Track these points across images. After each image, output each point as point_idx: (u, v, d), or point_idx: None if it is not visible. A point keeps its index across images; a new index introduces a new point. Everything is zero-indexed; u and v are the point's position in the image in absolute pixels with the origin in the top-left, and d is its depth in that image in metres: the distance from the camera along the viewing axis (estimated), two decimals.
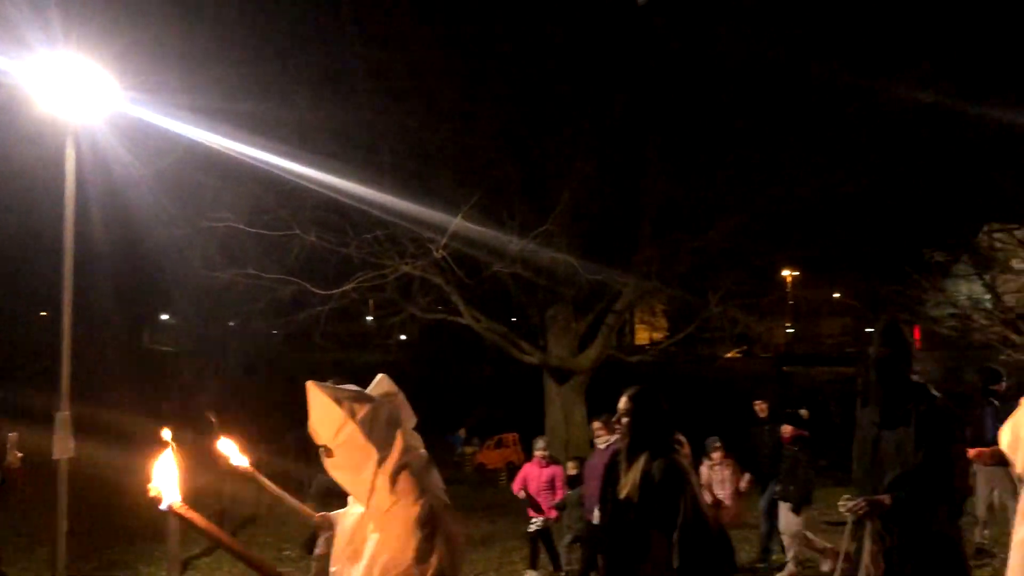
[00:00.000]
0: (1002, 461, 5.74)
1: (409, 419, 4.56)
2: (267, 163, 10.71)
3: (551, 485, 9.03)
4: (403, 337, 64.37)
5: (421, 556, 3.04)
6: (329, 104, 11.58)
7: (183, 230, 12.14)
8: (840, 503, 4.74)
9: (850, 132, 13.59)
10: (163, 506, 2.76)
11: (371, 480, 3.17)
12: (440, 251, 11.54)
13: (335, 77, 11.98)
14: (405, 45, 12.14)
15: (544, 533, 9.00)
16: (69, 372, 8.41)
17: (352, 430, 3.20)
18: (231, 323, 23.95)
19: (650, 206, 13.49)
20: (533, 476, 9.14)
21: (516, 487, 9.18)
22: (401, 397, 4.36)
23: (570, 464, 9.36)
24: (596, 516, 7.70)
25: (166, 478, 2.80)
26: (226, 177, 11.45)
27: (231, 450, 3.72)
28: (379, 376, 4.44)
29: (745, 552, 9.36)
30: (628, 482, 4.40)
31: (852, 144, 13.61)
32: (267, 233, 11.92)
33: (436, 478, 4.07)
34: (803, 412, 9.05)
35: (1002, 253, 18.34)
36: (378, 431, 3.22)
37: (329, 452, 3.25)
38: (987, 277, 18.79)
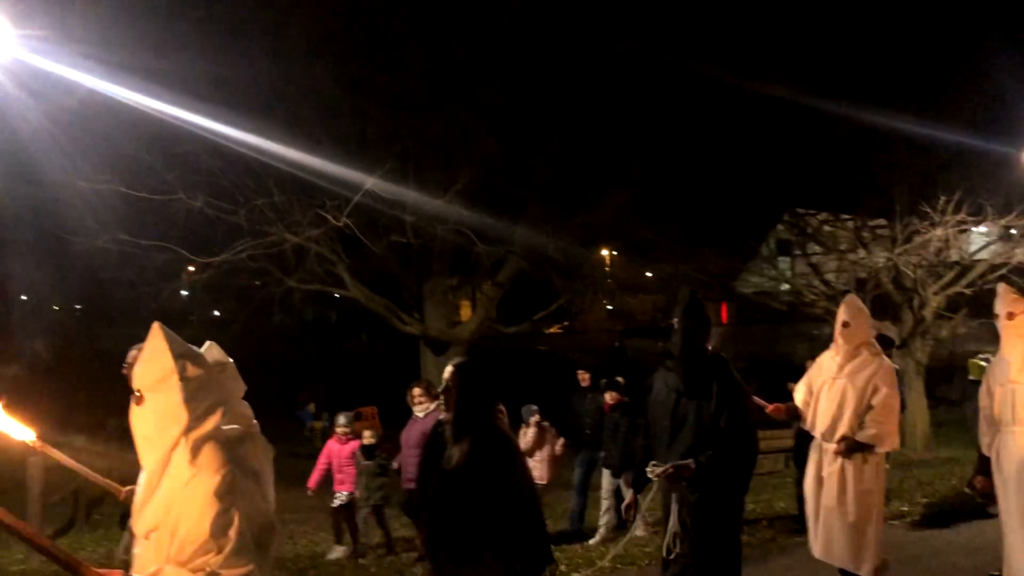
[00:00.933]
0: (797, 416, 6.53)
1: (238, 388, 4.56)
2: (159, 117, 10.28)
3: (351, 459, 9.05)
4: (216, 313, 62.21)
5: (219, 529, 2.86)
6: (231, 60, 11.20)
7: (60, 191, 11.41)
8: (648, 468, 5.00)
9: (682, 119, 14.37)
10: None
11: (171, 445, 3.00)
12: (344, 219, 11.41)
13: (236, 32, 11.55)
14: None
15: (348, 507, 9.04)
16: None
17: (174, 386, 3.02)
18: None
19: (537, 183, 13.83)
20: (335, 452, 9.14)
21: (319, 466, 9.14)
22: (232, 367, 4.42)
23: (366, 434, 9.35)
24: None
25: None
26: (109, 136, 10.85)
27: (11, 425, 3.55)
28: (208, 343, 4.39)
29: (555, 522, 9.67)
30: (456, 453, 4.42)
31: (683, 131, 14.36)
32: (150, 197, 11.38)
33: (255, 451, 4.06)
34: (619, 379, 9.34)
35: (831, 237, 20.21)
36: (199, 399, 3.05)
37: (140, 399, 3.05)
38: (815, 257, 20.69)
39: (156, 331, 3.09)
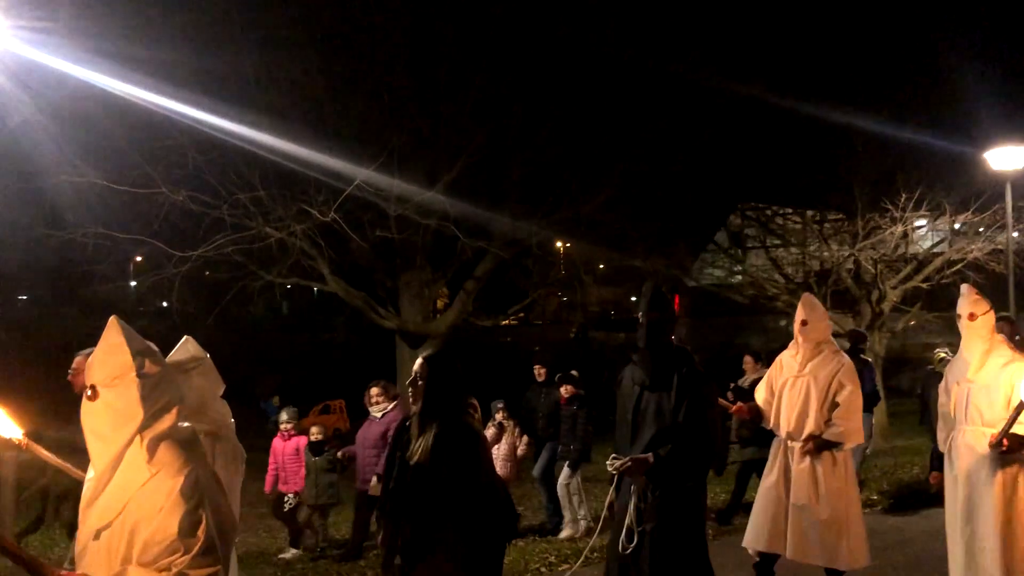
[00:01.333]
0: (760, 416, 6.53)
1: (216, 384, 4.43)
2: (147, 108, 10.24)
3: (297, 456, 8.82)
4: (164, 304, 61.10)
5: (187, 529, 2.82)
6: (220, 51, 11.15)
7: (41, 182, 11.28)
8: (608, 462, 4.99)
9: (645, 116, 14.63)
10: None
11: (124, 443, 2.92)
12: (332, 215, 11.45)
13: (224, 23, 11.51)
14: None
15: (297, 508, 8.78)
16: None
17: (131, 382, 2.93)
18: None
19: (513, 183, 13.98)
20: (278, 450, 8.90)
21: (270, 468, 8.87)
22: (208, 362, 4.34)
23: (314, 430, 9.11)
24: (373, 485, 8.06)
25: None
26: (100, 128, 10.76)
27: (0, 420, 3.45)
28: (185, 338, 4.31)
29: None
30: (420, 447, 4.34)
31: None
32: (131, 190, 11.31)
33: (223, 450, 4.17)
34: (574, 373, 9.31)
35: (793, 232, 20.77)
36: (155, 396, 2.95)
37: (95, 394, 2.95)
38: (776, 251, 21.21)
39: (113, 325, 3.02)
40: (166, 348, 3.92)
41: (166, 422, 2.97)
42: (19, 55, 8.60)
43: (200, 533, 2.83)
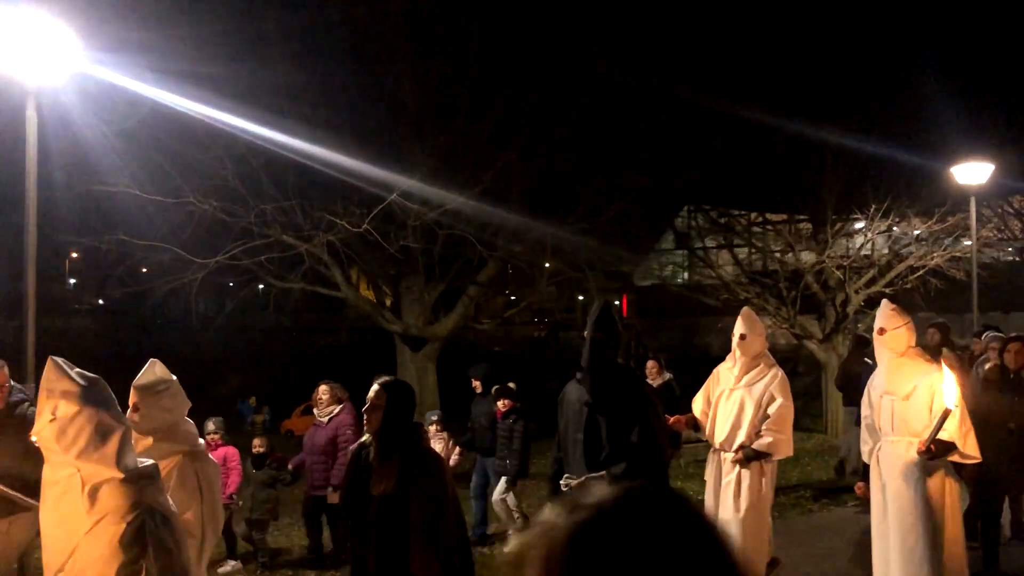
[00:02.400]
0: (696, 427, 6.83)
1: (182, 405, 4.34)
2: (205, 121, 10.61)
3: (225, 466, 8.16)
4: (100, 301, 60.05)
5: None
6: (277, 66, 11.63)
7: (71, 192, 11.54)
8: (563, 482, 5.02)
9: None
10: None
11: (82, 483, 2.92)
12: (366, 225, 11.92)
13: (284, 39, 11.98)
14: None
15: (231, 519, 8.26)
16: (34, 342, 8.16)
17: (55, 425, 2.93)
18: None
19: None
20: None
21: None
22: (176, 385, 4.25)
23: (256, 442, 8.86)
24: (331, 494, 8.01)
25: None
26: (131, 139, 11.08)
27: None
28: (151, 361, 4.25)
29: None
30: (384, 478, 4.28)
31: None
32: (162, 200, 11.67)
33: (202, 467, 4.08)
34: (511, 385, 9.24)
35: (761, 237, 21.84)
36: (78, 438, 2.90)
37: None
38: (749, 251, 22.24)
39: (50, 364, 3.09)
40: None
41: (102, 461, 2.94)
42: (90, 75, 8.91)
43: None
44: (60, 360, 3.09)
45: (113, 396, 3.26)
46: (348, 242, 12.91)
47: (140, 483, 3.02)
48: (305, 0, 12.72)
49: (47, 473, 3.00)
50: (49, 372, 3.02)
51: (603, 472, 4.87)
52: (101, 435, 2.95)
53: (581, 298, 23.14)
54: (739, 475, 6.44)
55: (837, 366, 19.98)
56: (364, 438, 4.58)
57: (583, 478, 4.90)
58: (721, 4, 17.74)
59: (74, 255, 59.69)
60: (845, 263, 18.23)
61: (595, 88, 14.87)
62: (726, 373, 6.69)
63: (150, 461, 3.24)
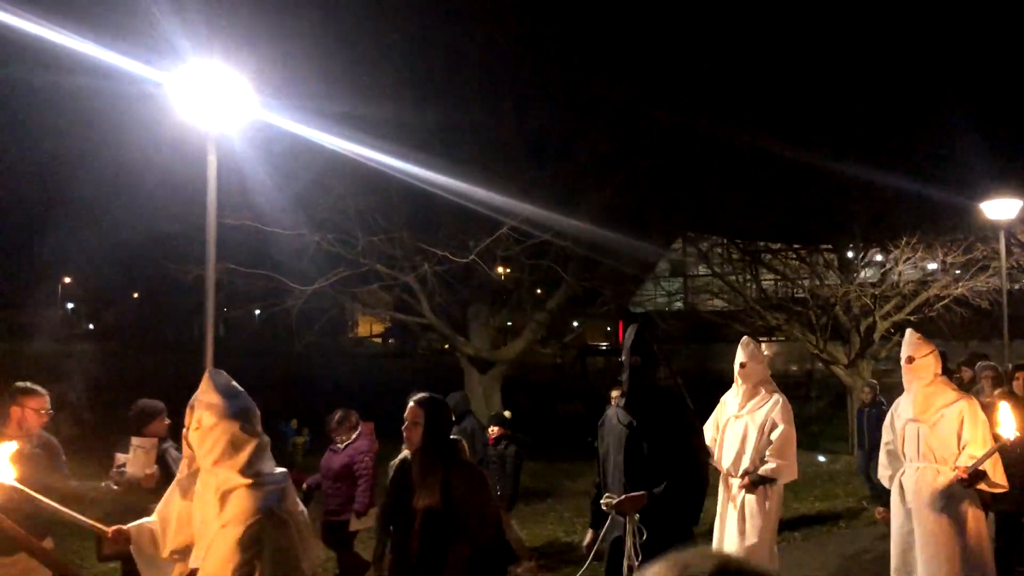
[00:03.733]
0: (709, 455, 6.43)
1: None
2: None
3: None
4: (91, 326, 60.41)
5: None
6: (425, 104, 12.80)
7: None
8: (603, 500, 5.06)
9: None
10: None
11: (216, 488, 3.23)
12: (471, 256, 12.96)
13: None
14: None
15: None
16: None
17: (198, 434, 3.28)
18: None
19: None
20: None
21: None
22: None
23: None
24: (355, 521, 8.18)
25: None
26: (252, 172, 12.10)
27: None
28: (216, 372, 4.40)
29: None
30: (428, 493, 4.38)
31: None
32: (281, 232, 12.72)
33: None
34: (506, 413, 9.61)
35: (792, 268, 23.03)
36: (214, 447, 3.27)
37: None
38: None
39: (208, 374, 3.46)
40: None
41: (235, 466, 3.30)
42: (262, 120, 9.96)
43: None
44: (217, 372, 3.45)
45: (255, 409, 3.63)
46: (448, 272, 13.97)
47: (266, 489, 3.30)
48: (437, 45, 13.82)
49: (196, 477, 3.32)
50: (202, 384, 3.39)
51: (643, 491, 4.90)
52: (235, 446, 3.30)
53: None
54: (744, 500, 6.63)
55: (860, 389, 21.35)
56: (404, 454, 4.71)
57: (622, 497, 4.96)
58: (752, 41, 18.91)
59: (67, 280, 60.25)
60: (876, 291, 19.45)
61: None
62: (731, 400, 6.90)
63: (281, 470, 3.58)
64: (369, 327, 64.40)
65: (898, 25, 19.05)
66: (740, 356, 6.85)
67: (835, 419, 24.87)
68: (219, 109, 9.15)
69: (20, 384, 5.96)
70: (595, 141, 14.48)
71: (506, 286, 14.72)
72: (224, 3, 10.38)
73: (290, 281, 13.56)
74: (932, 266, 20.21)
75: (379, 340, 64.07)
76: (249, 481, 3.31)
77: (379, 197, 13.45)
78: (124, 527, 3.71)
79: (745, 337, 7.19)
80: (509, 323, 17.98)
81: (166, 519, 3.75)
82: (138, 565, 3.76)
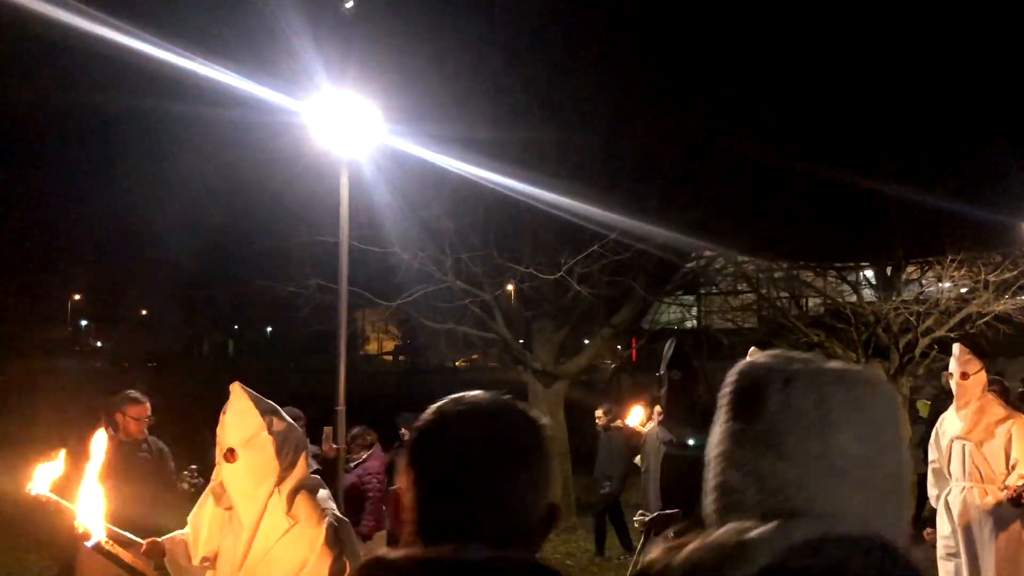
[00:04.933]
0: None
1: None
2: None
3: None
4: (99, 344, 61.24)
5: None
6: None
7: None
8: (636, 517, 5.11)
9: None
10: (90, 543, 2.80)
11: (265, 499, 3.26)
12: (559, 273, 13.73)
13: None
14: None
15: None
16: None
17: (265, 441, 3.27)
18: None
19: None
20: None
21: None
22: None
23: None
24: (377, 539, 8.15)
25: (92, 511, 2.82)
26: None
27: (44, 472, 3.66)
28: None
29: None
30: None
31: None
32: (369, 248, 13.55)
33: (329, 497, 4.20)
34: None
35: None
36: (287, 450, 3.32)
37: (233, 456, 3.25)
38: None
39: (239, 392, 3.42)
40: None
41: (299, 470, 3.36)
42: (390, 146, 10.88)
43: None
44: (242, 387, 3.45)
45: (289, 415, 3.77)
46: (531, 288, 14.82)
47: (320, 492, 3.41)
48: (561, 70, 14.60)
49: (245, 485, 3.30)
50: (249, 395, 3.42)
51: (676, 510, 4.93)
52: (298, 448, 3.43)
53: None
54: None
55: (901, 405, 22.10)
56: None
57: (655, 514, 5.01)
58: (796, 61, 19.68)
59: (76, 297, 60.86)
60: (920, 308, 20.20)
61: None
62: None
63: (317, 477, 3.69)
64: (379, 344, 64.94)
65: (942, 44, 19.85)
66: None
67: None
68: (351, 135, 10.06)
69: (125, 393, 6.53)
70: (673, 164, 15.30)
71: (586, 302, 15.51)
72: (357, 33, 11.17)
73: (375, 298, 14.41)
74: (973, 283, 20.96)
75: (389, 358, 64.66)
76: (310, 483, 3.43)
77: (473, 215, 14.25)
78: (158, 539, 3.86)
79: (753, 348, 6.71)
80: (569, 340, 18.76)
81: (198, 527, 3.90)
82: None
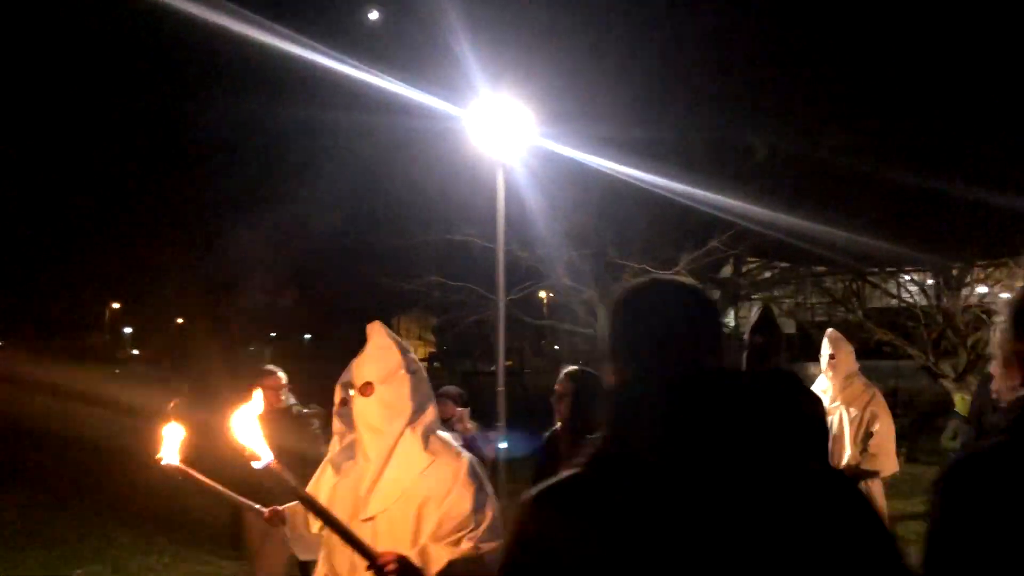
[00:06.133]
0: None
1: None
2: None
3: None
4: (136, 352, 62.53)
5: (478, 506, 3.09)
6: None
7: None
8: None
9: None
10: (259, 464, 2.75)
11: (396, 436, 3.23)
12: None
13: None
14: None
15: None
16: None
17: (402, 379, 3.29)
18: None
19: None
20: None
21: None
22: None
23: None
24: None
25: (256, 438, 2.80)
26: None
27: (166, 444, 3.71)
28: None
29: None
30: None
31: None
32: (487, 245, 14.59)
33: None
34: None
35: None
36: (420, 392, 3.31)
37: (369, 389, 3.26)
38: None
39: (379, 329, 3.44)
40: None
41: (430, 414, 3.33)
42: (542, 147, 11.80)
43: (488, 510, 3.11)
44: (379, 327, 3.48)
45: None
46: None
47: (450, 435, 3.43)
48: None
49: (377, 420, 3.28)
50: (389, 333, 3.44)
51: None
52: (429, 395, 3.41)
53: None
54: None
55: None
56: (556, 426, 4.96)
57: None
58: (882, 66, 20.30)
59: (115, 305, 62.17)
60: (993, 307, 20.87)
61: None
62: (819, 395, 6.54)
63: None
64: (413, 350, 66.57)
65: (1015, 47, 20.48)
66: (827, 348, 6.81)
67: (923, 436, 26.35)
68: (507, 138, 11.04)
69: (262, 367, 7.15)
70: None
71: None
72: (513, 39, 12.10)
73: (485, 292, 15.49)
74: None
75: (424, 363, 66.31)
76: (439, 422, 3.46)
77: (594, 212, 15.25)
78: (280, 508, 3.95)
79: (830, 330, 7.17)
80: None
81: (316, 496, 3.87)
82: (291, 543, 4.06)
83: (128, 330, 61.14)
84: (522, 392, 25.25)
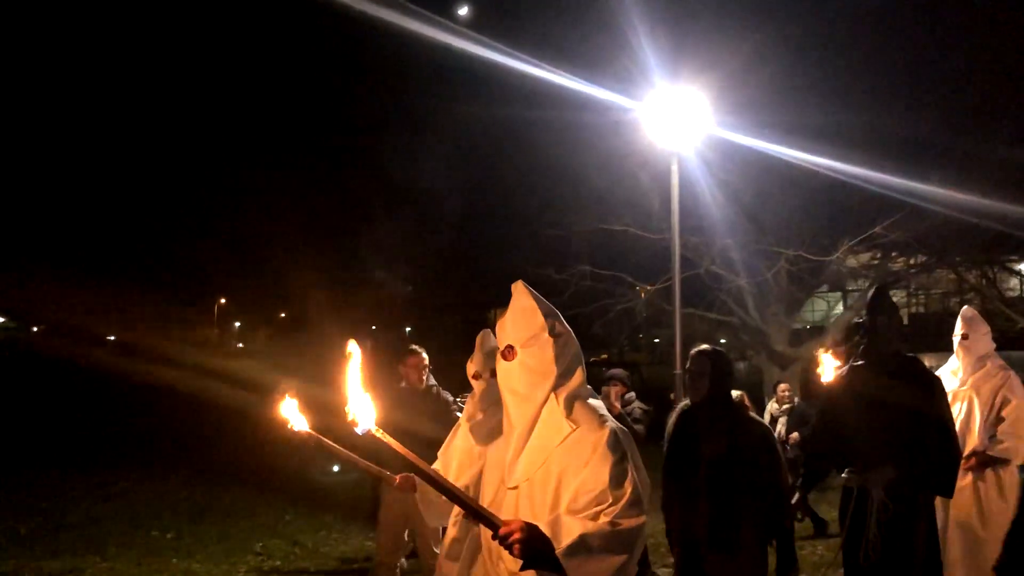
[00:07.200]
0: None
1: None
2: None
3: None
4: (240, 345, 63.78)
5: (616, 480, 3.00)
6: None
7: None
8: (844, 474, 4.93)
9: None
10: (360, 430, 2.71)
11: (542, 400, 3.17)
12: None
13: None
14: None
15: None
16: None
17: (546, 343, 3.20)
18: None
19: None
20: None
21: None
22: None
23: None
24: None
25: (361, 401, 2.72)
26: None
27: (292, 413, 3.71)
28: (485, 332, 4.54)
29: None
30: (714, 442, 4.62)
31: None
32: (647, 236, 14.88)
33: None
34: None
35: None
36: (566, 357, 3.20)
37: (512, 353, 3.20)
38: None
39: (522, 290, 3.32)
40: None
41: (576, 379, 3.22)
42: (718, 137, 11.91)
43: (627, 485, 2.99)
44: (523, 288, 3.36)
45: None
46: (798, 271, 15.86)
47: (597, 401, 3.29)
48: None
49: (519, 385, 3.21)
50: (532, 295, 3.31)
51: (889, 464, 4.77)
52: (576, 358, 3.27)
53: None
54: (973, 482, 6.21)
55: None
56: (683, 404, 5.04)
57: (867, 472, 4.88)
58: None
59: (223, 300, 63.75)
60: None
61: None
62: (948, 376, 6.42)
63: (591, 388, 3.47)
64: None
65: None
66: (960, 328, 6.55)
67: None
68: (682, 130, 11.24)
69: (406, 347, 7.26)
70: None
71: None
72: (691, 28, 12.22)
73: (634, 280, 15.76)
74: None
75: None
76: (586, 392, 3.34)
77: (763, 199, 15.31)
78: (410, 474, 4.01)
79: (966, 308, 6.94)
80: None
81: (448, 460, 4.14)
82: (421, 509, 4.08)
83: (237, 324, 63.37)
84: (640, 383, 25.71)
